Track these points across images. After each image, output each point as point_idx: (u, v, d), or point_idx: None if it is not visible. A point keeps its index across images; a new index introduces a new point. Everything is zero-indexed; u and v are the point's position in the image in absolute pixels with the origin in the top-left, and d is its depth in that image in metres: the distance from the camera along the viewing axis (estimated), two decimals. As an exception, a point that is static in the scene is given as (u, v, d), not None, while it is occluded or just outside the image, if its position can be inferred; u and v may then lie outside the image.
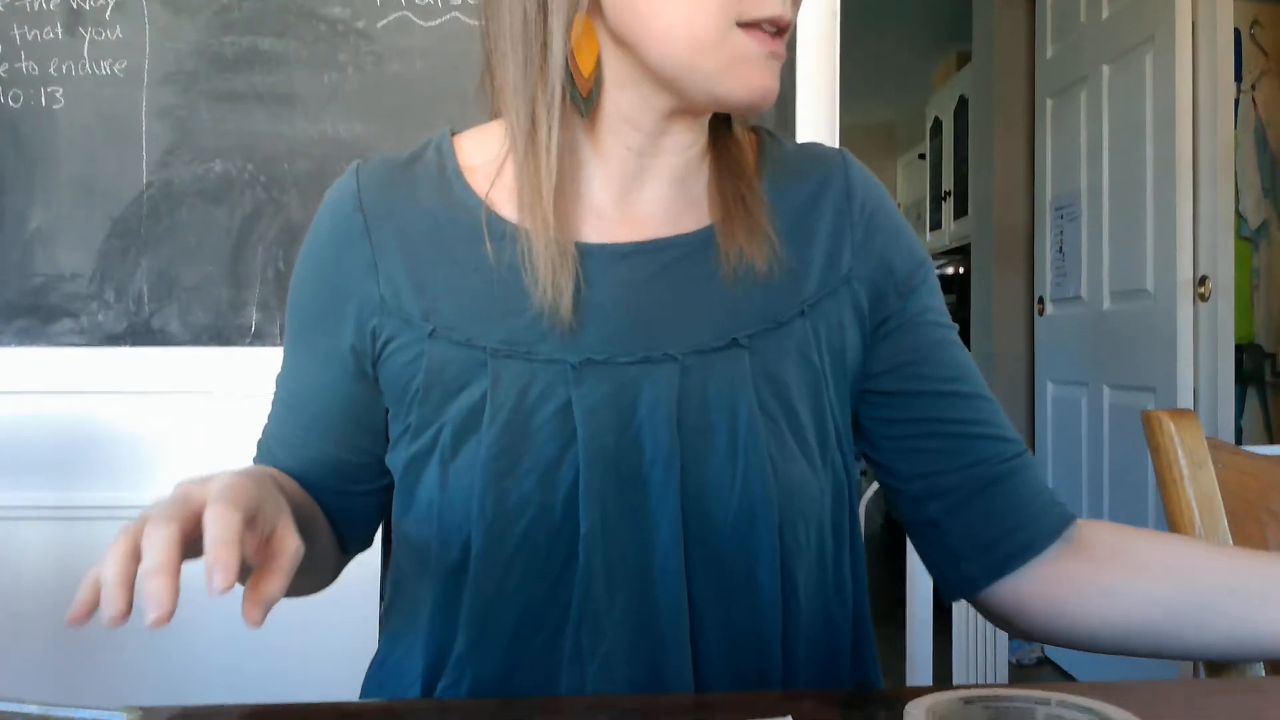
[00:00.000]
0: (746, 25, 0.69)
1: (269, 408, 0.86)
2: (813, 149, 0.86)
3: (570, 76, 0.73)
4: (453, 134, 0.83)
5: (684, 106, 0.74)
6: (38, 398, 1.63)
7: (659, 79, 0.73)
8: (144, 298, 1.64)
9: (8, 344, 1.64)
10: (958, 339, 0.85)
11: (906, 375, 0.82)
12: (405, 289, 0.76)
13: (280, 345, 1.63)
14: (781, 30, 0.70)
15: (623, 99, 0.75)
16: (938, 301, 0.85)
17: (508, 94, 0.74)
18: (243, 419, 1.64)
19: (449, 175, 0.79)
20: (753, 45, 0.69)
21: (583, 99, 0.73)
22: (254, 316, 1.64)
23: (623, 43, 0.73)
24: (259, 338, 1.64)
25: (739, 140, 0.81)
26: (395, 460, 0.79)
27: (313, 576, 0.85)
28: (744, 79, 0.70)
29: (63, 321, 1.64)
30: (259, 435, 0.87)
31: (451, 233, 0.77)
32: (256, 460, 0.85)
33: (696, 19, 0.69)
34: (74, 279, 1.64)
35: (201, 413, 1.62)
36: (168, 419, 1.62)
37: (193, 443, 1.61)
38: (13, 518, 1.61)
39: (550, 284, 0.73)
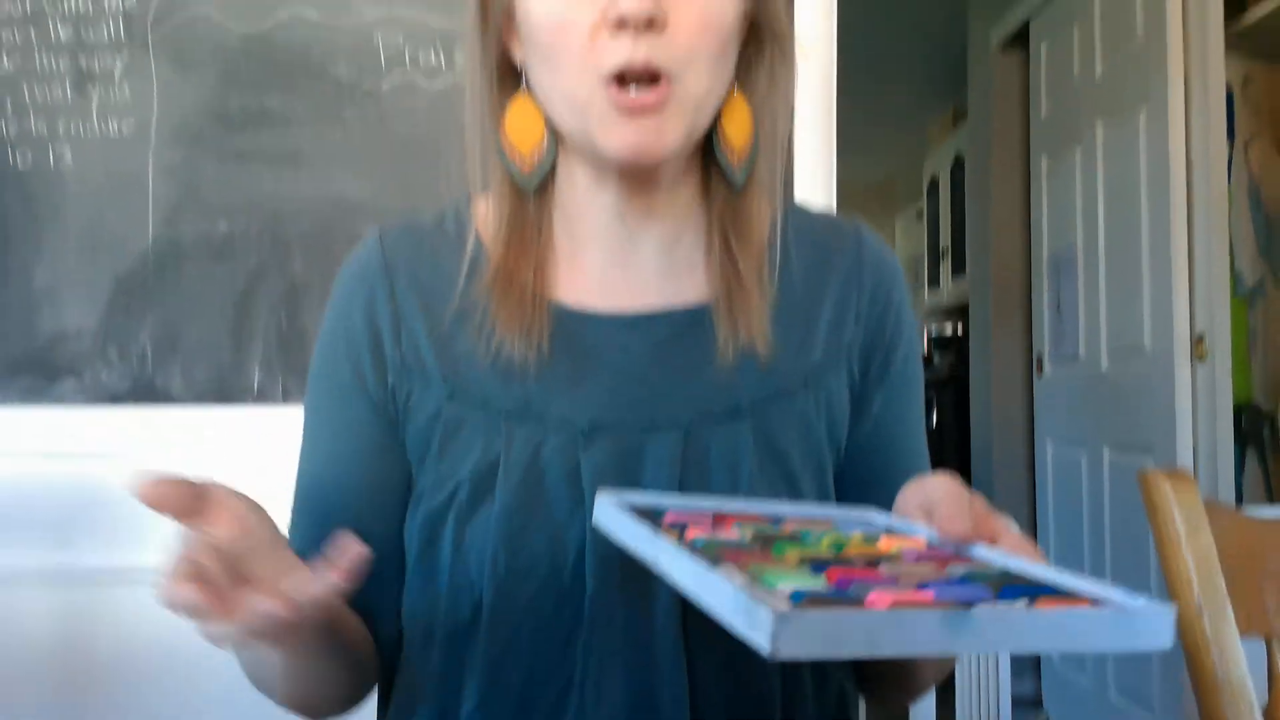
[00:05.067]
0: (611, 82, 0.71)
1: (288, 516, 0.83)
2: (830, 219, 0.88)
3: (514, 155, 0.78)
4: (473, 198, 0.85)
5: (603, 165, 0.76)
6: (38, 458, 1.63)
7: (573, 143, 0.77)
8: (147, 355, 1.65)
9: (10, 402, 1.65)
10: (916, 436, 0.86)
11: (851, 466, 0.83)
12: (426, 351, 0.79)
13: (282, 404, 1.64)
14: (647, 79, 0.70)
15: (576, 168, 0.79)
16: (909, 399, 0.85)
17: (469, 167, 0.81)
18: (243, 478, 1.64)
19: (467, 240, 0.81)
20: (610, 105, 0.71)
21: (522, 175, 0.78)
22: (256, 375, 1.65)
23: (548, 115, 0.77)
24: (261, 396, 1.65)
25: (750, 210, 0.81)
26: (411, 523, 0.80)
27: (354, 672, 0.80)
28: (612, 135, 0.71)
29: (66, 380, 1.65)
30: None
31: (469, 296, 0.79)
32: None
33: (569, 82, 0.72)
34: (78, 336, 1.65)
35: (202, 472, 1.62)
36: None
37: (192, 500, 1.60)
38: (10, 581, 1.61)
39: (519, 336, 0.76)
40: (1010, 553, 0.57)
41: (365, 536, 0.79)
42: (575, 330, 0.78)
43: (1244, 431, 2.74)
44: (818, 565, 0.53)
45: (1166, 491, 0.89)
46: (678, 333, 0.79)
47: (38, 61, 1.67)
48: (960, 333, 4.93)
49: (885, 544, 0.59)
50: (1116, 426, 2.96)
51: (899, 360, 0.84)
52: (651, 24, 0.69)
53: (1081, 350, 3.18)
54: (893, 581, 0.50)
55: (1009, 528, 0.60)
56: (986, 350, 3.91)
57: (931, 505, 0.61)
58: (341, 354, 0.81)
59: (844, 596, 0.46)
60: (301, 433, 0.84)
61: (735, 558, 0.52)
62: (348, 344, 0.81)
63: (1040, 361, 3.51)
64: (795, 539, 0.59)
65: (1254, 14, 2.62)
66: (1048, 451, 3.46)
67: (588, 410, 0.76)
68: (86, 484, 1.62)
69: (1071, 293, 3.24)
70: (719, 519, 0.64)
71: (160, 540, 0.57)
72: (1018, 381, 3.79)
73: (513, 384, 0.77)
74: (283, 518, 0.84)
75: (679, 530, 0.59)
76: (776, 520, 0.65)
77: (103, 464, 1.63)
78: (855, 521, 0.65)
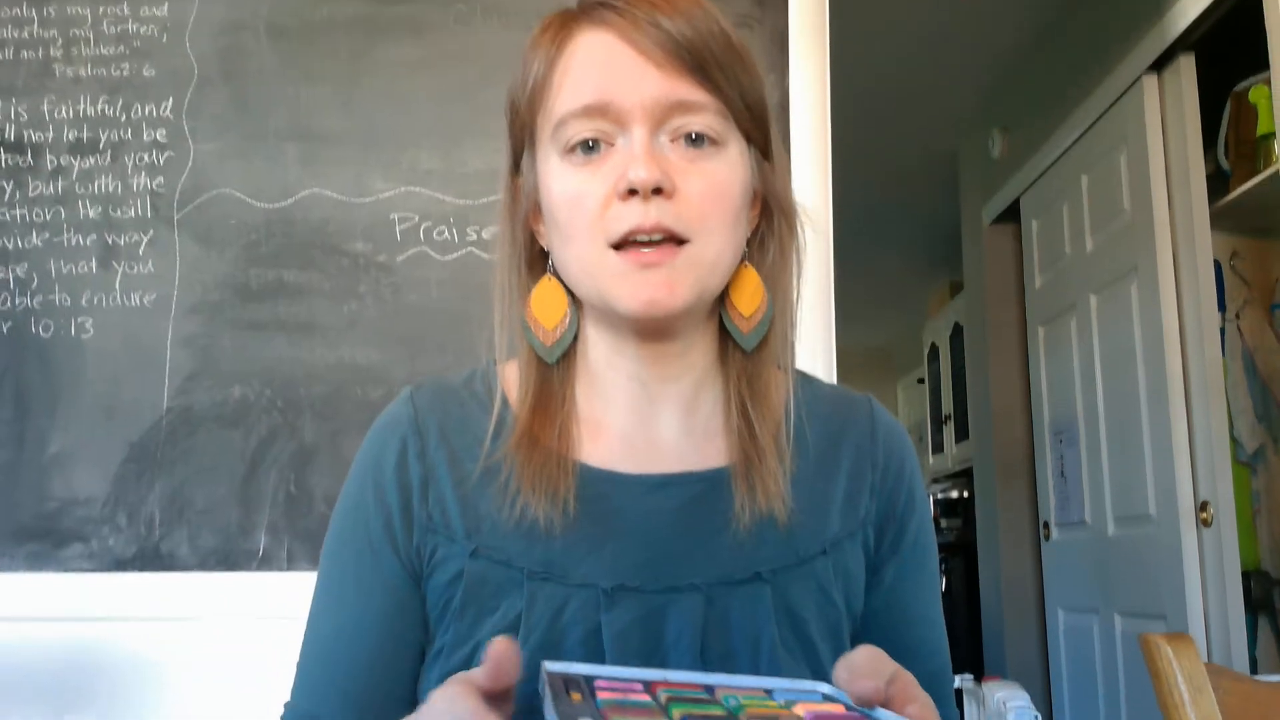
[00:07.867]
0: (619, 246, 0.75)
1: (293, 678, 0.83)
2: (842, 392, 0.91)
3: (538, 330, 0.82)
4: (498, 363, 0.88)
5: (620, 326, 0.80)
6: (41, 624, 1.62)
7: (591, 307, 0.81)
8: (155, 521, 1.66)
9: (16, 569, 1.65)
10: (929, 606, 0.87)
11: (866, 635, 0.84)
12: (452, 509, 0.80)
13: (287, 570, 1.64)
14: (661, 238, 0.74)
15: (597, 337, 0.83)
16: (921, 569, 0.87)
17: (497, 339, 0.84)
18: (244, 644, 1.63)
19: (494, 401, 0.84)
20: (621, 262, 0.75)
21: (545, 348, 0.82)
22: (262, 540, 1.66)
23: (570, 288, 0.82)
24: (266, 561, 1.65)
25: (765, 377, 0.84)
26: (427, 681, 0.80)
27: None
28: (626, 293, 0.75)
29: (73, 546, 1.66)
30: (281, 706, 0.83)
31: (495, 457, 0.81)
32: None
33: (581, 251, 0.77)
34: (87, 503, 1.67)
35: (204, 638, 1.61)
36: (170, 644, 1.61)
37: (193, 668, 1.60)
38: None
39: (545, 497, 0.78)
40: (905, 717, 0.57)
41: (382, 694, 0.80)
42: (600, 491, 0.80)
43: (1253, 598, 2.71)
44: None
45: (1168, 655, 0.89)
46: (699, 496, 0.80)
47: (65, 238, 1.74)
48: (965, 497, 4.91)
49: (800, 709, 0.59)
50: (1127, 593, 2.93)
51: (911, 532, 0.86)
52: (660, 192, 0.74)
53: (1088, 516, 3.17)
54: None
55: (922, 702, 0.60)
56: (993, 516, 3.89)
57: (850, 669, 0.61)
58: (372, 508, 0.82)
59: None
60: (317, 587, 0.84)
61: (609, 713, 0.54)
62: (379, 498, 0.82)
63: (1047, 527, 3.49)
64: (700, 702, 0.59)
65: (1236, 191, 2.71)
66: (1059, 619, 3.41)
67: (611, 571, 0.77)
68: (89, 649, 1.61)
69: (1074, 460, 3.25)
70: (654, 686, 0.63)
71: (154, 706, 0.58)
72: (1026, 547, 3.76)
73: (536, 544, 0.78)
74: (287, 679, 0.85)
75: (590, 691, 0.60)
76: (711, 688, 0.64)
77: (106, 629, 1.62)
78: (796, 692, 0.65)
